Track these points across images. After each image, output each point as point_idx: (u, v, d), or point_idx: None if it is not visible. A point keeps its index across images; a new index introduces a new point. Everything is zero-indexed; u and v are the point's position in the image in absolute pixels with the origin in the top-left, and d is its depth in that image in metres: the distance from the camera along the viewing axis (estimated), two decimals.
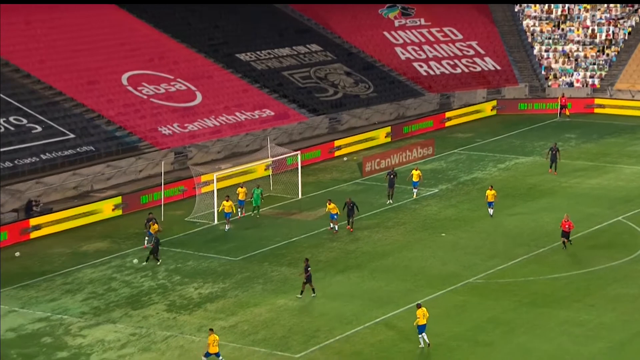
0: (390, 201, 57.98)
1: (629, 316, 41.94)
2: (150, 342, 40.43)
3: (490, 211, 54.84)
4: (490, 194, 54.87)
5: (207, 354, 37.54)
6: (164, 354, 39.19)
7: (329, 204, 52.99)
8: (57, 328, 42.17)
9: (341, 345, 39.64)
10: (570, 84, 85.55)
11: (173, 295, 45.37)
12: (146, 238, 51.65)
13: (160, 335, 41.00)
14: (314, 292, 44.27)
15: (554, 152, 63.39)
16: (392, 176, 58.34)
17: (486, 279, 46.42)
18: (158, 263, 48.91)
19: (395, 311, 42.62)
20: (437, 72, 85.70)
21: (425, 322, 38.46)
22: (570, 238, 49.36)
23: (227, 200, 53.81)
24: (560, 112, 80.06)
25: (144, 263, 48.73)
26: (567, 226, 49.00)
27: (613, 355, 38.47)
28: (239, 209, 55.88)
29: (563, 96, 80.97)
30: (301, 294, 44.08)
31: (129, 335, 41.06)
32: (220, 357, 37.42)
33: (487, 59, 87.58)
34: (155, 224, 51.34)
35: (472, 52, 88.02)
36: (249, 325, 41.78)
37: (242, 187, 56.71)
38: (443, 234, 52.82)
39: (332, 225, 53.10)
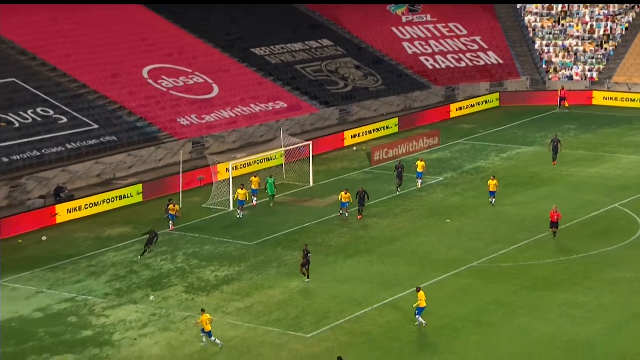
0: (399, 191, 57.53)
1: (625, 298, 41.82)
2: (169, 321, 40.51)
3: (492, 200, 54.59)
4: (492, 183, 54.56)
5: (205, 332, 37.59)
6: (183, 333, 39.25)
7: (345, 193, 52.62)
8: (81, 308, 42.33)
9: (351, 326, 39.65)
10: (570, 77, 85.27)
11: (191, 278, 45.44)
12: (170, 221, 51.76)
13: (179, 315, 41.06)
14: (307, 278, 44.09)
15: (555, 143, 63.09)
16: (400, 169, 57.93)
17: (489, 263, 46.35)
18: (144, 254, 47.96)
19: (402, 293, 42.55)
20: (443, 65, 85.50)
21: (424, 305, 38.46)
22: (558, 228, 48.80)
23: (242, 189, 53.75)
24: (560, 104, 79.79)
25: (139, 257, 48.00)
26: (555, 217, 48.52)
27: (610, 336, 38.35)
28: (253, 197, 55.83)
29: (562, 89, 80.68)
30: (307, 277, 44.08)
31: (150, 315, 41.14)
32: (212, 337, 37.53)
33: (490, 53, 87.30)
34: (176, 205, 51.47)
35: (476, 47, 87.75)
36: (263, 307, 41.83)
37: (255, 177, 56.62)
38: (448, 220, 52.73)
39: (341, 212, 52.91)
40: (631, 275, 44.40)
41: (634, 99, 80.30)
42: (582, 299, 41.79)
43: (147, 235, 48.29)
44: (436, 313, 39.44)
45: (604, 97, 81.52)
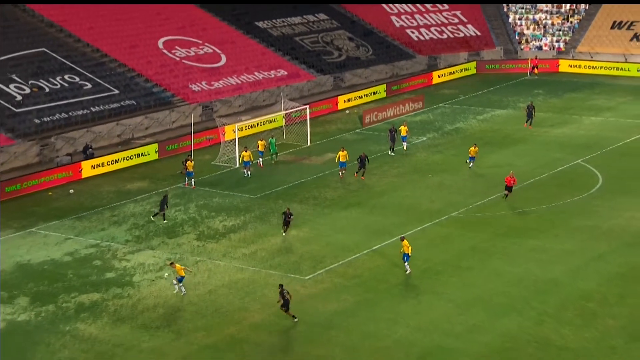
0: (392, 153, 56.90)
1: (586, 244, 41.94)
2: (183, 265, 40.45)
3: (471, 164, 53.49)
4: (473, 150, 53.40)
5: (179, 278, 37.24)
6: (195, 275, 39.30)
7: (342, 151, 52.15)
8: (105, 253, 42.41)
9: (344, 269, 39.76)
10: (540, 48, 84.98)
11: (202, 227, 45.44)
12: (188, 179, 51.51)
13: (192, 260, 41.13)
14: (285, 233, 43.33)
15: (530, 109, 62.67)
16: (393, 132, 57.31)
17: (467, 214, 46.37)
18: (153, 217, 46.45)
19: (390, 240, 42.60)
20: (426, 37, 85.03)
21: (409, 252, 38.39)
22: (511, 191, 47.30)
23: (246, 151, 53.31)
24: (530, 72, 79.48)
25: (152, 217, 46.83)
26: (511, 182, 47.06)
27: (572, 276, 38.51)
28: (259, 159, 55.37)
29: (535, 58, 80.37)
30: (284, 232, 43.37)
31: (166, 260, 41.14)
32: (181, 283, 37.17)
33: (469, 26, 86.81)
34: (191, 161, 51.31)
35: (456, 21, 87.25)
36: (266, 252, 41.89)
37: (261, 140, 56.31)
38: (430, 176, 52.67)
39: (341, 172, 52.10)
40: (591, 223, 44.49)
41: (596, 67, 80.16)
42: (549, 244, 41.92)
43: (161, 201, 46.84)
44: (420, 258, 39.54)
45: (569, 65, 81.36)
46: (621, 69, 79.10)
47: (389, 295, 37.11)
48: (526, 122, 62.62)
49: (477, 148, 53.50)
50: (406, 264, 38.67)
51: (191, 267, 39.42)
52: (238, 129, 57.81)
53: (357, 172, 51.89)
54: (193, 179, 51.52)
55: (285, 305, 34.51)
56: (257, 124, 62.26)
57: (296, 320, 34.60)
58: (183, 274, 37.34)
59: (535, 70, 79.27)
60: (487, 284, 37.86)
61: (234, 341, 33.67)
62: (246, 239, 43.68)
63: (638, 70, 78.37)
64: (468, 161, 53.51)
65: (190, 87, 67.07)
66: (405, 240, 38.71)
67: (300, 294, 37.32)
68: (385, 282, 38.35)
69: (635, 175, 51.94)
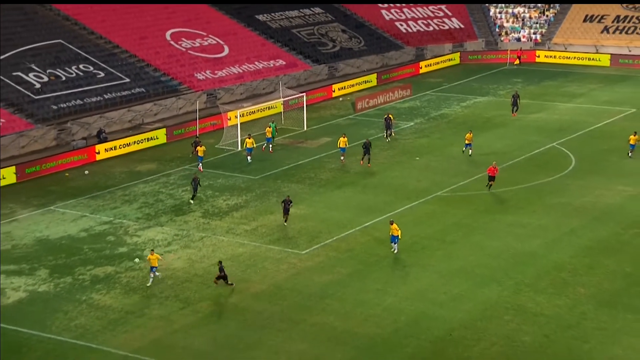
0: (389, 139, 56.00)
1: (559, 219, 42.07)
2: (190, 240, 40.62)
3: (470, 152, 51.61)
4: (468, 136, 51.92)
5: (152, 268, 35.71)
6: (201, 250, 39.38)
7: (343, 137, 51.32)
8: (118, 229, 42.40)
9: (337, 244, 39.81)
10: (518, 39, 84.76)
11: (207, 205, 45.42)
12: (200, 164, 50.70)
13: (198, 235, 41.16)
14: (285, 222, 41.74)
15: (515, 98, 62.01)
16: (389, 121, 56.55)
17: (451, 193, 46.42)
18: (193, 198, 45.72)
19: (380, 217, 42.68)
20: (414, 29, 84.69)
21: (397, 234, 37.88)
22: (494, 181, 45.93)
23: (249, 138, 52.85)
24: (511, 62, 79.28)
25: (191, 201, 45.91)
26: (494, 172, 45.52)
27: (547, 249, 38.68)
28: (269, 145, 53.90)
29: (520, 50, 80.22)
30: (286, 222, 41.68)
31: (173, 236, 41.25)
32: (155, 271, 35.79)
33: (453, 19, 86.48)
34: (202, 146, 50.95)
35: (441, 14, 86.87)
36: (266, 229, 41.90)
37: (269, 127, 54.44)
38: (417, 158, 52.62)
39: (342, 157, 51.33)
40: (565, 200, 44.60)
41: (569, 57, 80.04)
42: (526, 220, 42.03)
43: (192, 184, 45.81)
44: (407, 233, 39.56)
45: (545, 55, 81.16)
46: (592, 59, 78.99)
47: (379, 267, 37.20)
48: (513, 111, 61.39)
49: (472, 134, 52.63)
50: (395, 244, 38.03)
51: (173, 255, 37.69)
52: (240, 115, 57.69)
53: (362, 159, 50.76)
54: (201, 164, 50.94)
55: (224, 278, 34.93)
56: (258, 111, 62.10)
57: (233, 285, 35.12)
58: (156, 264, 35.55)
59: (517, 61, 79.15)
60: (469, 256, 37.99)
61: (237, 309, 33.78)
62: (247, 216, 43.67)
63: (610, 61, 78.25)
64: (465, 148, 52.00)
65: (195, 76, 66.79)
66: (394, 224, 38.18)
67: (298, 267, 37.43)
68: (375, 255, 38.41)
69: (604, 156, 52.05)
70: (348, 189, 47.50)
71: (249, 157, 52.59)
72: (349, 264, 37.55)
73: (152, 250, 37.20)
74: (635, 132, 50.91)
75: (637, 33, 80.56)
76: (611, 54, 78.48)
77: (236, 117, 57.59)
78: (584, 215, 42.60)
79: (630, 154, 50.40)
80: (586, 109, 63.47)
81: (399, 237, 38.07)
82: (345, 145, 51.40)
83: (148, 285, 35.76)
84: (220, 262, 35.53)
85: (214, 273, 36.68)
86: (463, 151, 52.23)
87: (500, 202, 44.62)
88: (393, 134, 56.90)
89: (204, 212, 44.46)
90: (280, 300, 34.46)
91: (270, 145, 54.53)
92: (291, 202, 41.70)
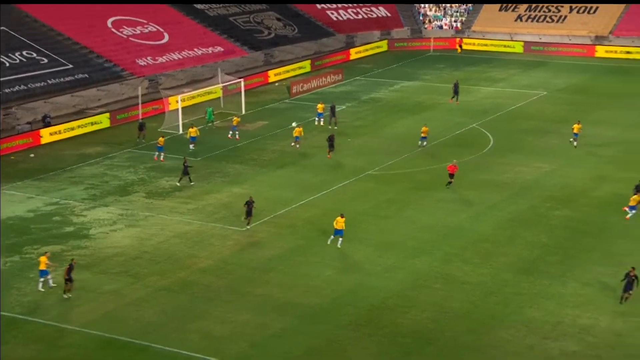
0: (336, 127, 54.45)
1: (483, 195, 42.85)
2: (135, 220, 40.22)
3: (424, 143, 50.09)
4: (425, 129, 50.17)
5: (42, 272, 32.83)
6: (150, 228, 39.03)
7: (298, 127, 50.59)
8: (65, 209, 41.75)
9: (279, 220, 39.95)
10: (440, 27, 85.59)
11: (151, 186, 44.94)
12: (157, 152, 48.78)
13: (142, 215, 40.76)
14: (248, 225, 38.79)
15: (456, 86, 61.50)
16: (333, 108, 55.26)
17: (384, 171, 46.86)
18: (192, 183, 44.53)
19: (319, 194, 43.00)
20: (344, 18, 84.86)
21: (341, 228, 36.13)
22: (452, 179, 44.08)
23: (192, 127, 51.63)
24: (455, 48, 79.77)
25: (178, 184, 44.94)
26: (454, 169, 43.69)
27: (473, 222, 39.47)
28: (236, 133, 52.47)
29: (461, 39, 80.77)
30: (248, 225, 38.89)
31: (118, 215, 40.78)
32: (48, 276, 33.05)
33: (380, 8, 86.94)
34: (162, 137, 49.24)
35: (369, 4, 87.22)
36: (211, 207, 41.75)
37: (237, 117, 52.85)
38: (349, 140, 52.45)
39: (295, 144, 50.48)
40: (487, 177, 45.45)
41: (487, 44, 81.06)
42: (453, 195, 42.71)
43: (183, 167, 44.16)
44: (344, 209, 39.80)
45: (465, 42, 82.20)
46: (508, 46, 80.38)
47: (318, 241, 37.41)
48: (452, 97, 61.29)
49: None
50: (340, 238, 36.22)
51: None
52: (181, 100, 57.13)
53: (329, 152, 48.38)
54: (163, 154, 48.76)
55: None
56: (198, 96, 61.58)
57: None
58: (45, 268, 32.68)
59: (459, 50, 79.88)
60: (402, 230, 38.54)
61: (185, 283, 33.69)
62: (194, 196, 43.36)
63: (532, 49, 79.83)
64: (420, 141, 49.81)
65: (137, 62, 65.79)
66: (344, 217, 36.19)
67: (243, 243, 37.48)
68: (315, 230, 38.65)
69: (522, 135, 53.22)
70: (289, 169, 47.54)
71: (191, 146, 50.81)
72: (290, 239, 37.74)
73: (46, 253, 33.67)
74: (579, 121, 50.85)
75: (547, 21, 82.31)
76: (524, 41, 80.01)
77: (177, 101, 57.02)
78: (505, 190, 43.55)
79: (575, 143, 49.59)
80: (506, 92, 64.66)
81: (342, 231, 36.24)
82: (300, 134, 50.44)
83: (40, 290, 32.78)
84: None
85: (162, 250, 36.49)
86: (419, 145, 50.28)
87: (429, 180, 45.19)
88: (321, 123, 55.54)
89: (148, 192, 43.99)
90: (226, 274, 34.48)
91: (237, 133, 52.65)
92: (254, 203, 38.95)
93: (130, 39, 68.52)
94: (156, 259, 35.75)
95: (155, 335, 29.79)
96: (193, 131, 51.62)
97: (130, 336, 29.69)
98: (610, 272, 33.72)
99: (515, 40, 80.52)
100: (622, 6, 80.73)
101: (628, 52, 75.49)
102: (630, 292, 30.90)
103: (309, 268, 34.82)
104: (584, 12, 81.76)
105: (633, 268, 31.11)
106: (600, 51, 76.56)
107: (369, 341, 29.31)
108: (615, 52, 76.04)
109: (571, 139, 49.98)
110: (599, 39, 78.35)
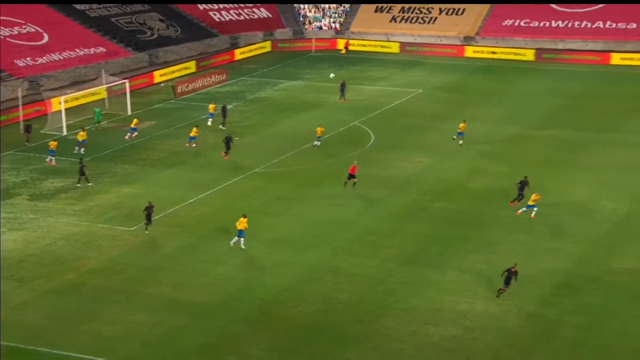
0: (225, 127, 54.04)
1: (368, 190, 42.98)
2: (19, 223, 38.86)
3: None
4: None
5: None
6: (35, 231, 37.76)
7: (195, 128, 49.59)
8: None
9: (169, 219, 39.48)
10: (320, 28, 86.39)
11: (34, 189, 43.54)
12: (49, 156, 47.13)
13: (27, 217, 39.41)
14: (147, 230, 37.94)
15: (343, 86, 61.88)
16: (224, 107, 55.04)
17: (271, 169, 46.95)
18: (89, 184, 43.69)
19: (208, 192, 42.75)
20: (227, 19, 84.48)
21: (244, 228, 35.81)
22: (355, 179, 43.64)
23: (83, 130, 50.17)
24: (341, 49, 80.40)
25: (78, 185, 43.69)
26: (354, 170, 43.04)
27: (357, 217, 39.89)
28: (134, 134, 51.36)
29: (347, 41, 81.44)
30: (146, 229, 37.82)
31: (2, 219, 39.13)
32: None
33: (262, 9, 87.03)
34: (55, 141, 47.60)
35: (251, 4, 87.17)
36: (100, 208, 40.86)
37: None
38: (237, 138, 52.05)
39: (192, 144, 49.81)
40: (372, 173, 45.92)
41: (366, 45, 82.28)
42: (339, 191, 43.17)
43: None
44: (234, 207, 39.84)
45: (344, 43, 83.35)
46: (385, 46, 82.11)
47: (209, 239, 37.26)
48: (340, 98, 61.64)
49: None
50: (242, 239, 35.82)
51: None
52: (64, 101, 55.49)
53: (225, 153, 48.04)
54: (54, 158, 47.26)
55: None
56: (82, 97, 59.93)
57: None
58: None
59: (344, 51, 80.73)
60: (291, 226, 38.79)
61: (74, 285, 32.85)
62: (80, 197, 42.30)
63: (408, 49, 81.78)
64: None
65: (16, 63, 63.32)
66: (246, 218, 35.97)
67: (132, 243, 36.84)
68: (205, 228, 38.46)
69: (403, 132, 54.49)
70: (179, 168, 47.05)
71: (78, 148, 49.31)
72: (180, 238, 37.39)
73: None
74: (465, 120, 51.85)
75: (419, 22, 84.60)
76: (400, 41, 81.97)
77: (60, 103, 55.33)
78: (388, 185, 44.44)
79: (460, 142, 50.31)
80: (387, 91, 65.91)
81: (244, 231, 36.02)
82: (196, 134, 49.80)
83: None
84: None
85: (49, 252, 35.42)
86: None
87: (314, 176, 45.57)
88: (209, 124, 55.12)
89: (31, 195, 42.59)
90: (116, 274, 33.84)
91: (136, 134, 51.50)
92: (153, 207, 37.84)
93: (8, 39, 65.87)
94: (43, 261, 34.67)
95: (43, 339, 28.96)
96: (83, 135, 49.64)
97: (16, 341, 28.73)
98: (485, 259, 35.18)
99: (392, 41, 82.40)
100: (486, 7, 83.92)
101: (493, 52, 78.70)
102: (508, 286, 32.19)
103: (201, 266, 34.62)
104: (452, 13, 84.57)
105: (515, 264, 32.43)
106: (469, 51, 79.47)
107: (262, 336, 29.44)
108: (482, 52, 79.12)
109: (455, 137, 51.28)
110: (467, 40, 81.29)
